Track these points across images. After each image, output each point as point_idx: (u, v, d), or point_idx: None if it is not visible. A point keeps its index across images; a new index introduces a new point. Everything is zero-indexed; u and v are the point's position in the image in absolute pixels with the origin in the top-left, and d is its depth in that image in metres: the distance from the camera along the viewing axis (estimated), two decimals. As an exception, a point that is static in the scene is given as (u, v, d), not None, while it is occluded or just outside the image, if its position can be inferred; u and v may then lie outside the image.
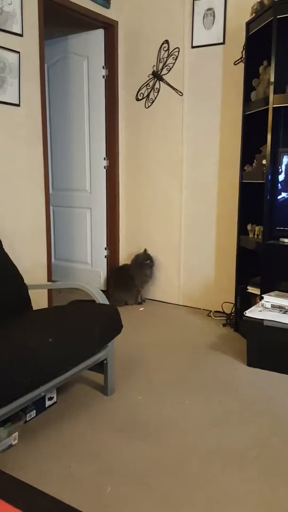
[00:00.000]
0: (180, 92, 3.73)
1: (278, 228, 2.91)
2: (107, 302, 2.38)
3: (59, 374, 1.96)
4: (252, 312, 2.71)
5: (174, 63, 3.72)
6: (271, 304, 2.73)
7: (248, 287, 3.19)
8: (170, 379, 2.55)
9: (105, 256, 4.26)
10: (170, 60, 3.74)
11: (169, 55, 3.74)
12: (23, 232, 3.23)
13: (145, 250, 4.03)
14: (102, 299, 2.39)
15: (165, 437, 1.99)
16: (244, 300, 3.24)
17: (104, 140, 4.09)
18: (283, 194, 2.88)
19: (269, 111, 2.78)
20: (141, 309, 3.84)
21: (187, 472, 1.76)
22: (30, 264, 3.29)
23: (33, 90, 3.17)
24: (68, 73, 4.18)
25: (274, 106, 2.76)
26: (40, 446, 1.93)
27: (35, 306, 2.70)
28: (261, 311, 2.72)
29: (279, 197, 2.88)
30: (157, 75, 3.84)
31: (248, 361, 2.74)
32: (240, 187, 3.23)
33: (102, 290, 2.49)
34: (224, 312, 3.67)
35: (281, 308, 2.70)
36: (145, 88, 3.93)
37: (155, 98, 3.87)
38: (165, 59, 3.77)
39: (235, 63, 3.43)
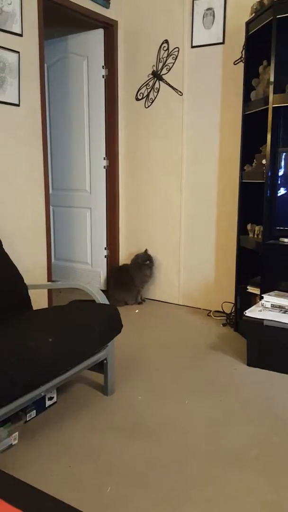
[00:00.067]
0: (180, 92, 3.73)
1: (278, 228, 2.91)
2: (107, 302, 2.38)
3: (59, 374, 1.96)
4: (252, 312, 2.71)
5: (173, 63, 3.72)
6: (271, 304, 2.73)
7: (248, 287, 3.19)
8: (170, 379, 2.55)
9: (105, 256, 4.26)
10: (170, 60, 3.74)
11: (168, 55, 3.74)
12: (23, 232, 3.23)
13: (146, 250, 4.02)
14: (102, 299, 2.39)
15: (165, 437, 2.00)
16: (244, 300, 3.24)
17: (104, 140, 4.09)
18: (283, 194, 2.88)
19: (268, 111, 2.78)
20: (136, 311, 3.82)
21: (187, 472, 1.76)
22: (30, 264, 3.29)
23: (33, 90, 3.17)
24: (68, 73, 4.18)
25: (273, 105, 2.76)
26: (40, 446, 1.93)
27: (35, 306, 2.70)
28: (261, 311, 2.72)
29: (279, 195, 2.88)
30: (156, 75, 3.84)
31: (248, 361, 2.74)
32: (240, 187, 3.23)
33: (102, 290, 2.49)
34: (224, 312, 3.67)
35: (281, 308, 2.70)
36: (145, 88, 3.92)
37: (155, 98, 3.87)
38: (164, 59, 3.77)
39: (235, 63, 3.43)
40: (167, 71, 3.77)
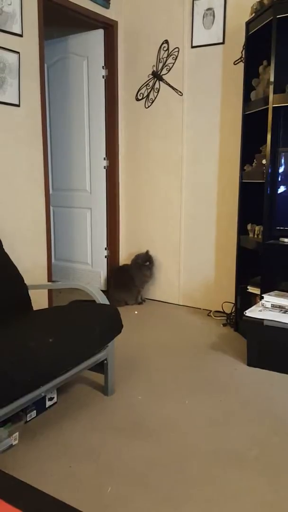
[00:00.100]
0: (180, 92, 3.73)
1: (278, 227, 2.91)
2: (107, 302, 2.39)
3: (59, 374, 1.96)
4: (252, 312, 2.71)
5: (174, 63, 3.72)
6: (271, 304, 2.73)
7: (248, 287, 3.19)
8: (170, 379, 2.56)
9: (105, 256, 4.26)
10: (170, 60, 3.74)
11: (168, 55, 3.74)
12: (23, 232, 3.23)
13: (147, 251, 4.01)
14: (102, 299, 2.39)
15: (165, 437, 2.00)
16: (244, 300, 3.24)
17: (104, 140, 4.09)
18: (283, 194, 2.88)
19: (269, 111, 2.78)
20: (135, 312, 3.82)
21: (187, 472, 1.76)
22: (30, 264, 3.29)
23: (33, 90, 3.17)
24: (68, 73, 4.18)
25: (274, 105, 2.76)
26: (40, 446, 1.93)
27: (35, 306, 2.70)
28: (261, 310, 2.72)
29: (279, 195, 2.88)
30: (157, 75, 3.84)
31: (248, 361, 2.74)
32: (240, 187, 3.23)
33: (102, 290, 2.49)
34: (224, 312, 3.67)
35: (281, 308, 2.70)
36: (145, 88, 3.93)
37: (155, 98, 3.87)
38: (164, 59, 3.77)
39: (235, 63, 3.43)
40: (167, 71, 3.77)
